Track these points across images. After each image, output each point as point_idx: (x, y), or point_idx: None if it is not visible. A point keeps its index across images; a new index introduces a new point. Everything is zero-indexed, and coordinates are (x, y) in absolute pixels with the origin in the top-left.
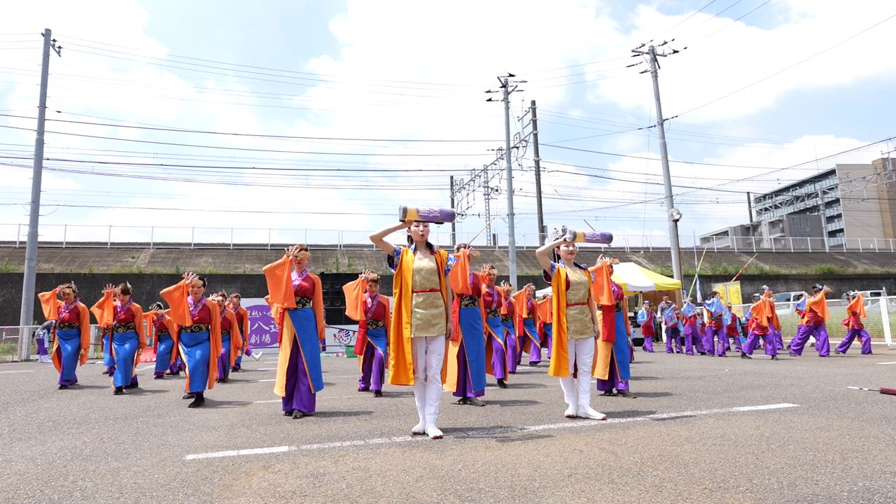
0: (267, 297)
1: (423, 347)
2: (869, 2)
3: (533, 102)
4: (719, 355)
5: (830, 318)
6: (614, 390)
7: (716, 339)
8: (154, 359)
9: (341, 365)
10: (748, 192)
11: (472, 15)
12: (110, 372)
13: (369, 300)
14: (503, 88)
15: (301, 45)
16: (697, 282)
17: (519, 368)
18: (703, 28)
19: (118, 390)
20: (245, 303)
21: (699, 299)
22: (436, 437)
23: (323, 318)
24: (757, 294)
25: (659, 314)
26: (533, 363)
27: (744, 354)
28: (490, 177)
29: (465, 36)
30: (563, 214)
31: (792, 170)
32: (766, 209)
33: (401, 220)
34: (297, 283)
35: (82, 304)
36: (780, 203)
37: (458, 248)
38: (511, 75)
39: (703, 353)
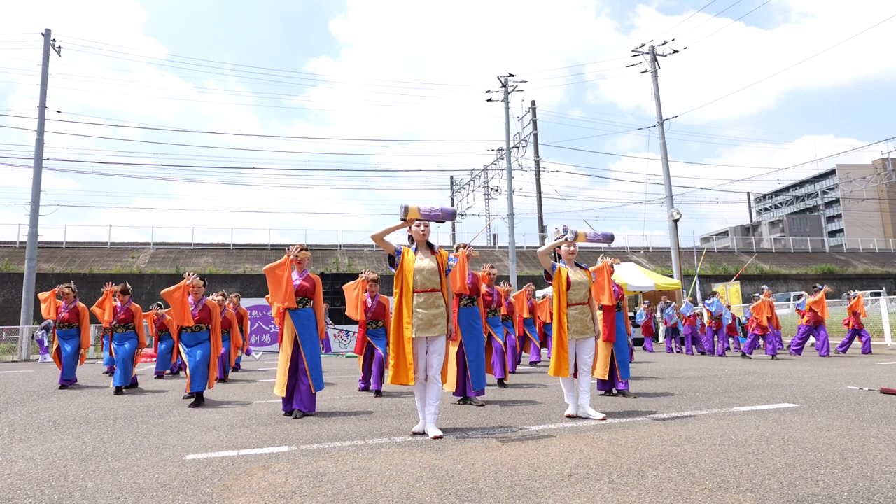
0: (267, 296)
1: (423, 347)
2: (869, 2)
3: (533, 102)
4: (719, 355)
5: (830, 318)
6: (614, 390)
7: (716, 339)
8: (154, 359)
9: (341, 365)
10: (748, 192)
11: (472, 15)
12: (110, 372)
13: (369, 300)
14: (503, 88)
15: (301, 46)
16: (697, 282)
17: (519, 368)
18: (702, 28)
19: (118, 390)
20: (245, 303)
21: (699, 299)
22: (436, 437)
23: (323, 317)
24: (756, 294)
25: (658, 314)
26: (533, 363)
27: (744, 354)
28: (490, 177)
29: (465, 36)
30: (563, 214)
31: (792, 170)
32: (766, 209)
33: (402, 219)
34: (297, 283)
35: (82, 304)
36: (780, 203)
37: (457, 248)
38: (511, 75)
39: (702, 353)
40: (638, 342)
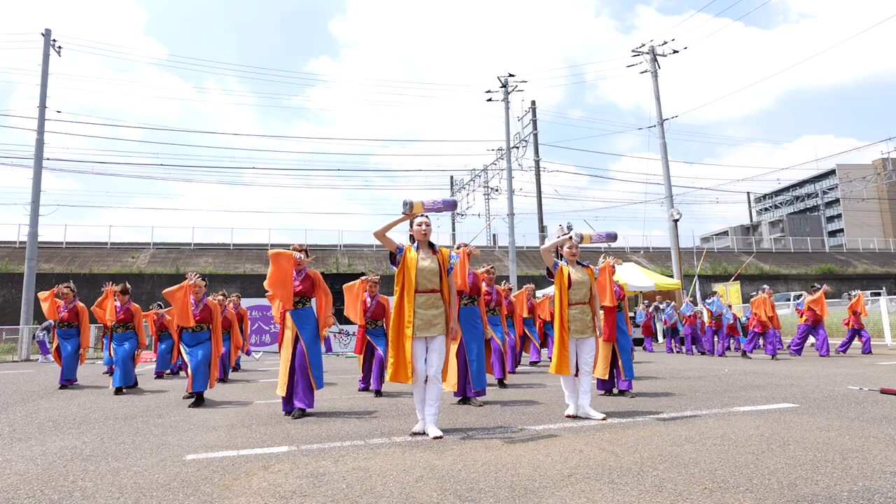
0: (268, 294)
1: (423, 347)
2: (869, 2)
3: (533, 102)
4: (719, 355)
5: (830, 318)
6: (615, 390)
7: (716, 338)
8: (154, 358)
9: (341, 365)
10: (748, 192)
11: (472, 15)
12: (110, 372)
13: (369, 300)
14: (503, 88)
15: (300, 46)
16: (697, 282)
17: (519, 368)
18: (702, 28)
19: (118, 390)
20: (245, 303)
21: (699, 299)
22: (436, 438)
23: (330, 309)
24: (754, 294)
25: (654, 312)
26: (533, 363)
27: (744, 353)
28: (490, 177)
29: (465, 36)
30: (563, 214)
31: (792, 170)
32: (766, 209)
33: (405, 213)
34: (296, 285)
35: (81, 304)
36: (780, 203)
37: (457, 247)
38: (511, 75)
39: (702, 353)
40: (638, 342)
